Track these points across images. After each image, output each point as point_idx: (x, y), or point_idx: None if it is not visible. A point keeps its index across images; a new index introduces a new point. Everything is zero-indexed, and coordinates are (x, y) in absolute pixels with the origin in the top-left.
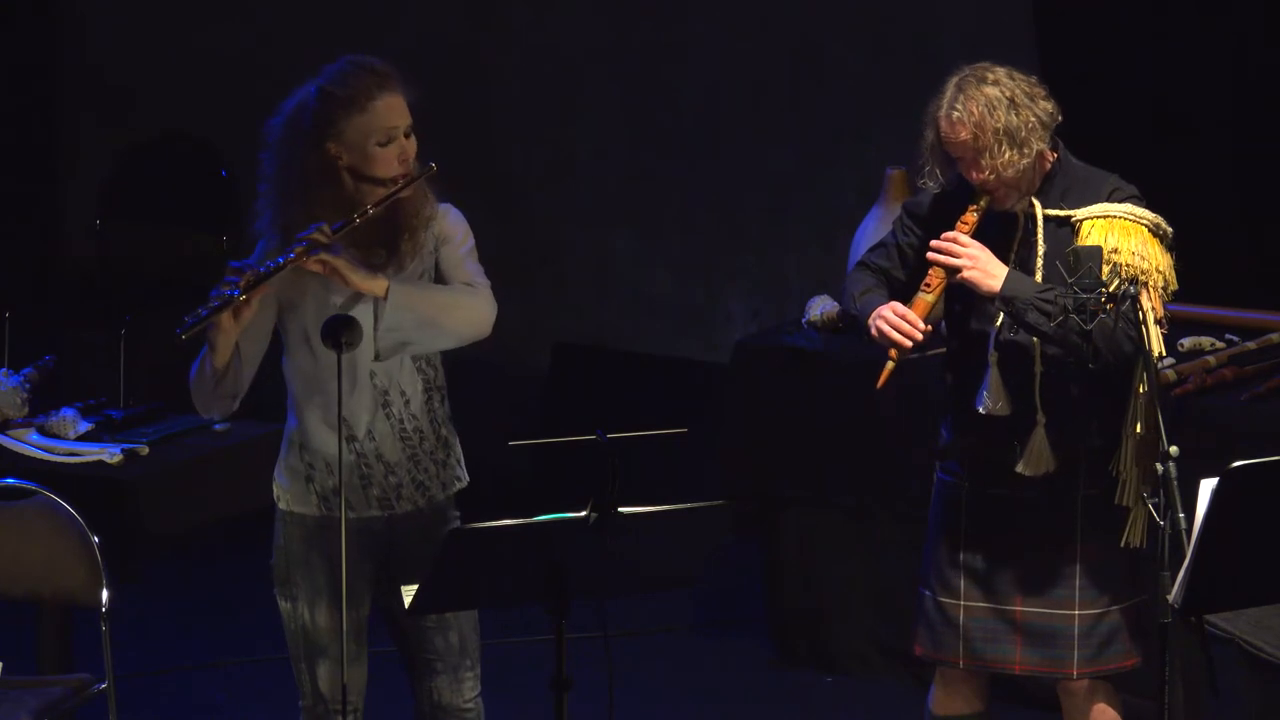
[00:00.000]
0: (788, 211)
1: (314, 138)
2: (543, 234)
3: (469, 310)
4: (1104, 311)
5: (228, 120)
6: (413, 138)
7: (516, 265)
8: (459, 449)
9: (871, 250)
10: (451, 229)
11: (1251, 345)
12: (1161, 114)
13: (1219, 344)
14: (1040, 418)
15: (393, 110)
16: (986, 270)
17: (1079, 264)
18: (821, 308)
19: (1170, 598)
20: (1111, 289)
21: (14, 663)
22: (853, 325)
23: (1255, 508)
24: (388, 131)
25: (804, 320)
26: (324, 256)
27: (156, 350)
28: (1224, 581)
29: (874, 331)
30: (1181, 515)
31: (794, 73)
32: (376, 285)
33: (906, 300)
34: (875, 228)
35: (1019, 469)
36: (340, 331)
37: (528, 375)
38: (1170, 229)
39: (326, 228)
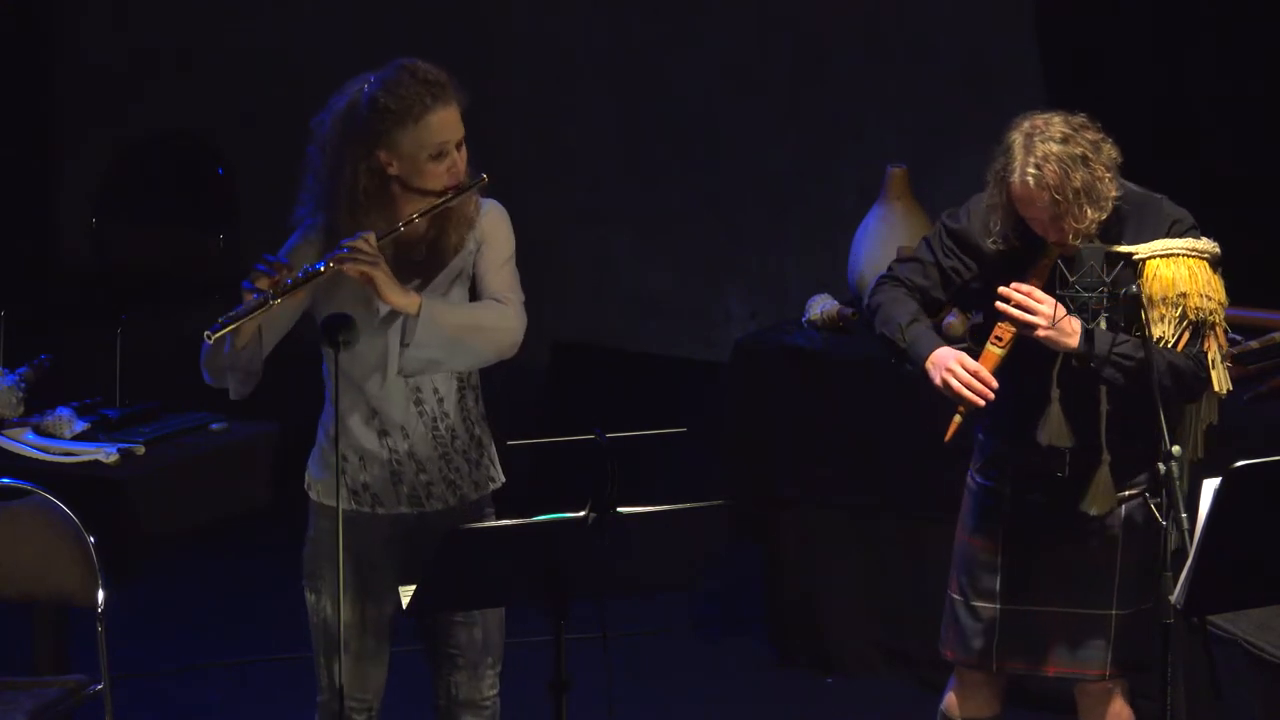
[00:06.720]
0: (788, 211)
1: (365, 146)
2: (542, 234)
3: (497, 333)
4: (1104, 309)
5: (225, 118)
6: (464, 148)
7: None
8: (493, 448)
9: (904, 264)
10: (493, 231)
11: (1254, 344)
12: (1162, 114)
13: None
14: (1105, 457)
15: (446, 124)
16: (1062, 330)
17: (1081, 263)
18: (821, 307)
19: (1173, 598)
20: (1181, 331)
21: (9, 663)
22: (856, 327)
23: (1258, 508)
24: (440, 146)
25: (804, 320)
26: (364, 267)
27: (153, 349)
28: (1227, 582)
29: (940, 383)
30: (1184, 515)
31: (794, 73)
32: (409, 303)
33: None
34: (875, 227)
35: (1083, 508)
36: (338, 330)
37: (527, 375)
38: (1218, 249)
39: (372, 238)
